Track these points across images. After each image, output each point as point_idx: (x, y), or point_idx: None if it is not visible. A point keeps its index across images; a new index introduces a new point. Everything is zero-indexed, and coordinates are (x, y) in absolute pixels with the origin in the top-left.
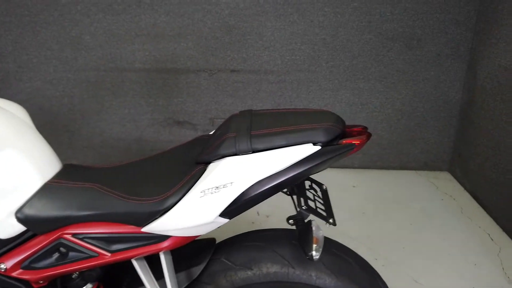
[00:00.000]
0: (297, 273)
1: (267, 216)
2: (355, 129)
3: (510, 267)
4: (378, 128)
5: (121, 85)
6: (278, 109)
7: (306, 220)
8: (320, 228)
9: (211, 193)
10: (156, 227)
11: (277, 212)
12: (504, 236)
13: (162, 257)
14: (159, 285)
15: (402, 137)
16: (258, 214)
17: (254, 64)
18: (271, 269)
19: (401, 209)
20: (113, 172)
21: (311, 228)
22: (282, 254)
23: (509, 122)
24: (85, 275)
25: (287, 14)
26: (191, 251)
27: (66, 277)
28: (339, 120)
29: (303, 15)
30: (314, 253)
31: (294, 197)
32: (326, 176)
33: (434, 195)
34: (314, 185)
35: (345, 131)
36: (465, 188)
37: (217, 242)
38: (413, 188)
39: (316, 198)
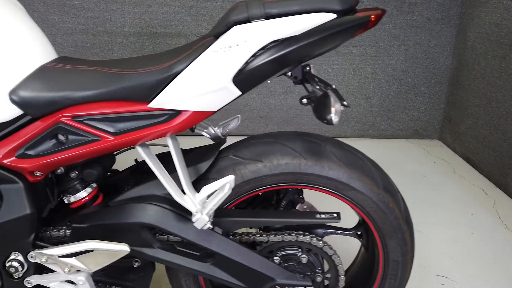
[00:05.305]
0: (309, 164)
1: None
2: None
3: (506, 216)
4: (370, 95)
5: (111, 50)
6: None
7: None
8: (337, 99)
9: (224, 51)
10: (164, 99)
11: None
12: (497, 191)
13: (170, 142)
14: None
15: (394, 104)
16: None
17: None
18: (282, 160)
19: (393, 171)
20: (113, 60)
21: (329, 96)
22: (292, 146)
23: (499, 77)
24: (84, 174)
25: None
26: (196, 153)
27: (63, 177)
28: None
29: None
30: (333, 115)
31: (307, 85)
32: None
33: (426, 159)
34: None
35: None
36: (456, 153)
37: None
38: (405, 153)
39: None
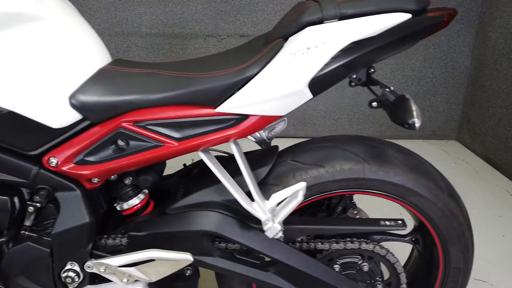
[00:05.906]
0: (373, 169)
1: None
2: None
3: None
4: None
5: (127, 51)
6: None
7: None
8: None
9: (302, 54)
10: (234, 103)
11: None
12: None
13: (234, 147)
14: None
15: None
16: None
17: (265, 29)
18: (345, 165)
19: None
20: (173, 63)
21: (408, 98)
22: (353, 151)
23: None
24: (140, 180)
25: None
26: (252, 157)
27: (116, 184)
28: None
29: None
30: (416, 120)
31: (373, 88)
32: None
33: (446, 160)
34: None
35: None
36: (476, 153)
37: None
38: (424, 154)
39: None
